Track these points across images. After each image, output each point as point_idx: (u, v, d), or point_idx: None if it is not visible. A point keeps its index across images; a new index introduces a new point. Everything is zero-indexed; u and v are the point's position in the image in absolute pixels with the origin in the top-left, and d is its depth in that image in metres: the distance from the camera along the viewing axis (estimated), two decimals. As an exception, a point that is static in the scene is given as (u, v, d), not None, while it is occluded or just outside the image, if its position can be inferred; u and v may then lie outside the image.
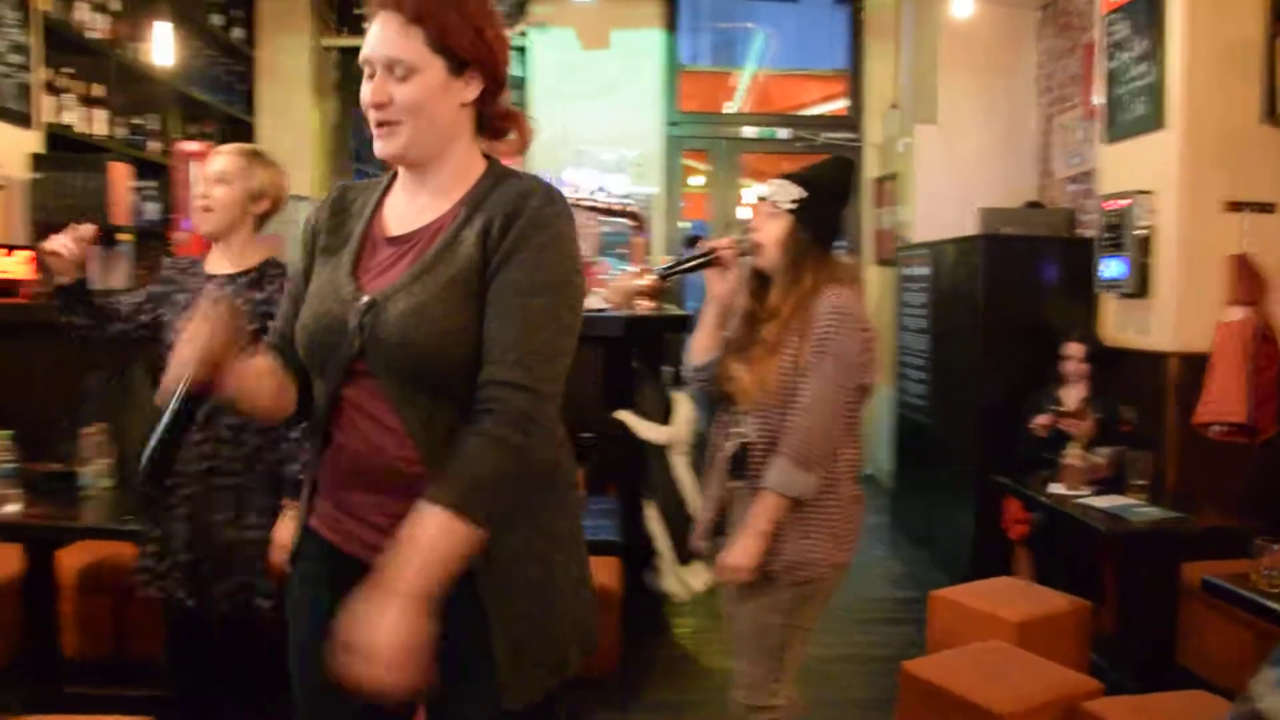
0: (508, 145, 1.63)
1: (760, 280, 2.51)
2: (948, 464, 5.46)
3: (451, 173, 1.55)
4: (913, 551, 5.75)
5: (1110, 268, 4.59)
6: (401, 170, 1.58)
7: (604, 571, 3.62)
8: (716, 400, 2.59)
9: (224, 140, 6.33)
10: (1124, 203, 4.47)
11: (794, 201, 2.43)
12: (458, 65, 1.48)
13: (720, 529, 2.54)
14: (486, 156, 1.60)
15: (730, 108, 9.99)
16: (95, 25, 5.26)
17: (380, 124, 1.48)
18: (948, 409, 5.53)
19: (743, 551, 2.34)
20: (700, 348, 2.57)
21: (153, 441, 1.64)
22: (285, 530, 2.45)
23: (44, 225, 4.38)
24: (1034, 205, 6.17)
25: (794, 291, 2.38)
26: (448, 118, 1.51)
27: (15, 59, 4.44)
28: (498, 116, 1.58)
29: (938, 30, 6.74)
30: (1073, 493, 3.80)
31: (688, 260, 2.56)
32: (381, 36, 1.46)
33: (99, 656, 3.55)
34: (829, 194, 2.49)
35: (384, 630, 1.32)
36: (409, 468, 1.48)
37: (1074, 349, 4.54)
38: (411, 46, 1.44)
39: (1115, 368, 4.56)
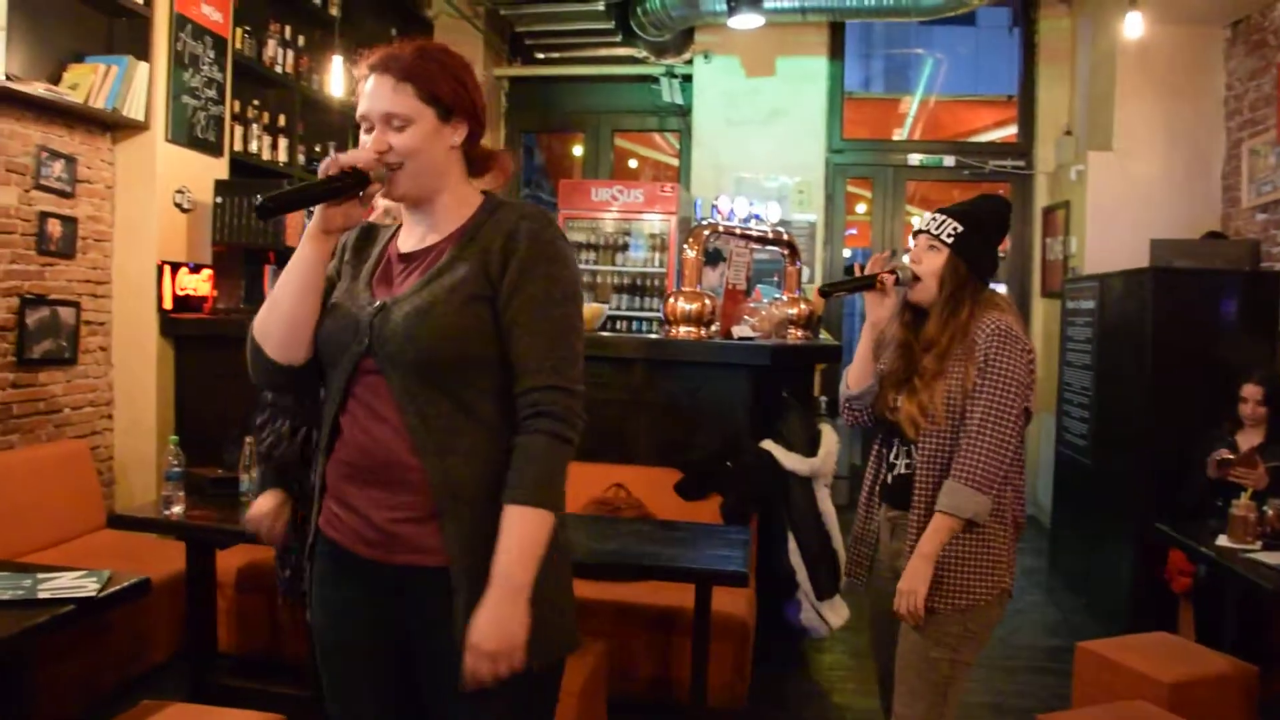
0: (491, 179, 1.84)
1: (914, 312, 2.51)
2: (1108, 507, 5.20)
3: (449, 204, 1.75)
4: (1068, 598, 5.49)
5: (1295, 306, 4.30)
6: (405, 206, 1.78)
7: (735, 602, 3.61)
8: (873, 431, 2.62)
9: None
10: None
11: (953, 235, 2.45)
12: (445, 113, 1.69)
13: (873, 561, 2.58)
14: (483, 191, 1.80)
15: (899, 134, 9.86)
16: (281, 60, 5.62)
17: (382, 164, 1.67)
18: (1110, 450, 5.28)
19: (915, 575, 2.32)
20: (855, 376, 2.58)
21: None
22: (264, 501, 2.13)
23: (224, 246, 4.72)
24: (1215, 236, 5.84)
25: (952, 322, 2.40)
26: (440, 159, 1.71)
27: (210, 94, 4.79)
28: (481, 156, 1.79)
29: (1115, 53, 6.47)
30: (1240, 546, 3.56)
31: (851, 280, 2.55)
32: (377, 94, 1.66)
33: (252, 652, 3.76)
34: (987, 229, 2.50)
35: (512, 628, 1.57)
36: (405, 459, 1.64)
37: (1251, 391, 4.27)
38: (404, 101, 1.65)
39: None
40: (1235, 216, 6.19)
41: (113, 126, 4.45)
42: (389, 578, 1.68)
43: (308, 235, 1.69)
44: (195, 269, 4.66)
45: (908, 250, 2.59)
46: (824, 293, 2.63)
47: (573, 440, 1.66)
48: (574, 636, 1.76)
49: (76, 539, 3.97)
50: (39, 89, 3.91)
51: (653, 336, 4.70)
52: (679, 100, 7.84)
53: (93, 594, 2.31)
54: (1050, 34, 7.48)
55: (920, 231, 2.52)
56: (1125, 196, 6.39)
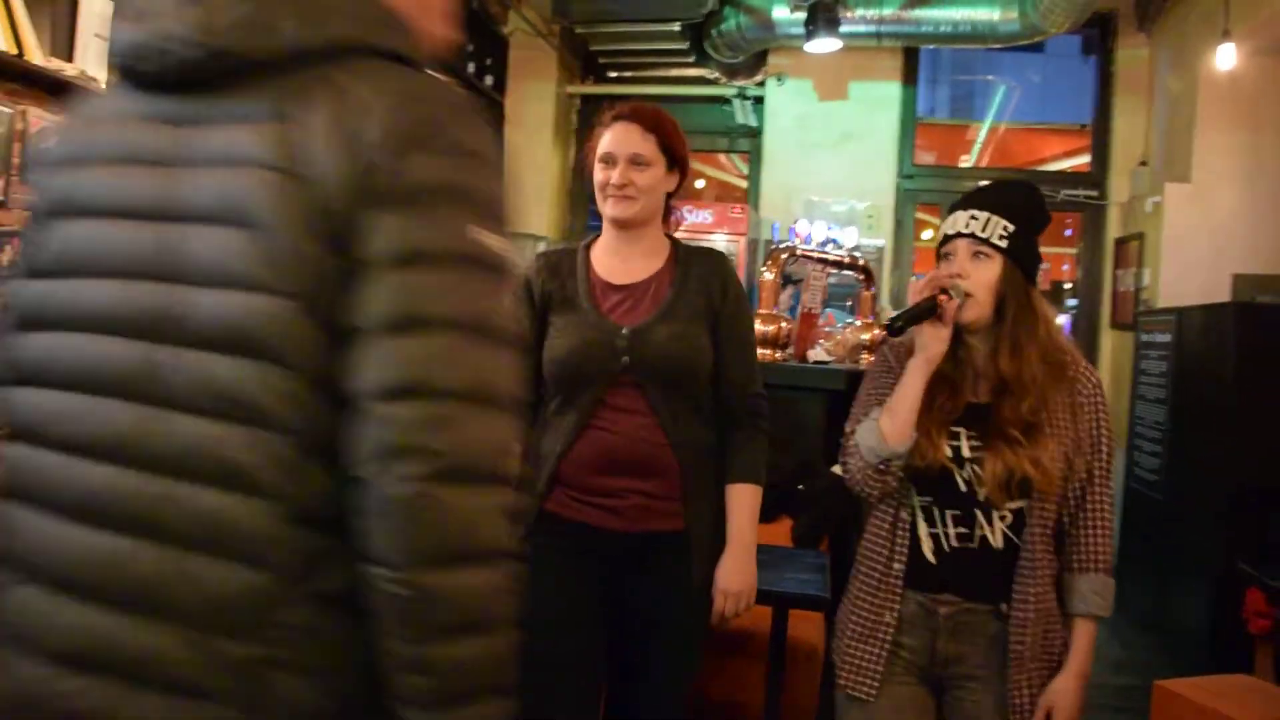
0: (666, 225, 2.29)
1: (953, 336, 2.00)
2: (1183, 546, 5.12)
3: (653, 240, 2.22)
4: (1136, 636, 5.40)
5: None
6: (613, 234, 2.23)
7: (807, 626, 3.60)
8: (907, 497, 2.02)
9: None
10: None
11: (1006, 238, 1.96)
12: (670, 164, 2.19)
13: (887, 669, 2.02)
14: (667, 234, 2.27)
15: (966, 161, 9.79)
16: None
17: (620, 196, 2.15)
18: (1185, 486, 5.19)
19: (1077, 700, 1.94)
20: (902, 430, 1.93)
21: None
22: None
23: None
24: None
25: (1031, 349, 1.93)
26: (659, 200, 2.20)
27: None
28: (669, 209, 2.28)
29: (1197, 84, 6.39)
30: (1328, 590, 3.49)
31: (911, 311, 1.99)
32: (626, 138, 2.15)
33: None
34: (1035, 226, 2.05)
35: (750, 574, 2.23)
36: (659, 451, 2.11)
37: (1337, 432, 4.18)
38: (649, 147, 2.15)
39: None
40: (1317, 252, 6.08)
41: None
42: (632, 545, 2.14)
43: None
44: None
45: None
46: (894, 330, 2.00)
47: (770, 433, 2.28)
48: None
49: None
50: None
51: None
52: (754, 122, 7.86)
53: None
54: (1128, 64, 7.40)
55: (958, 236, 1.99)
56: (1202, 229, 6.29)
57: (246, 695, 0.95)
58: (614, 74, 8.15)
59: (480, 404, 0.97)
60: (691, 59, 7.40)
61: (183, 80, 1.03)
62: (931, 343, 1.96)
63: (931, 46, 7.46)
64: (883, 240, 7.40)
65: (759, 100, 7.81)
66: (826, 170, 7.48)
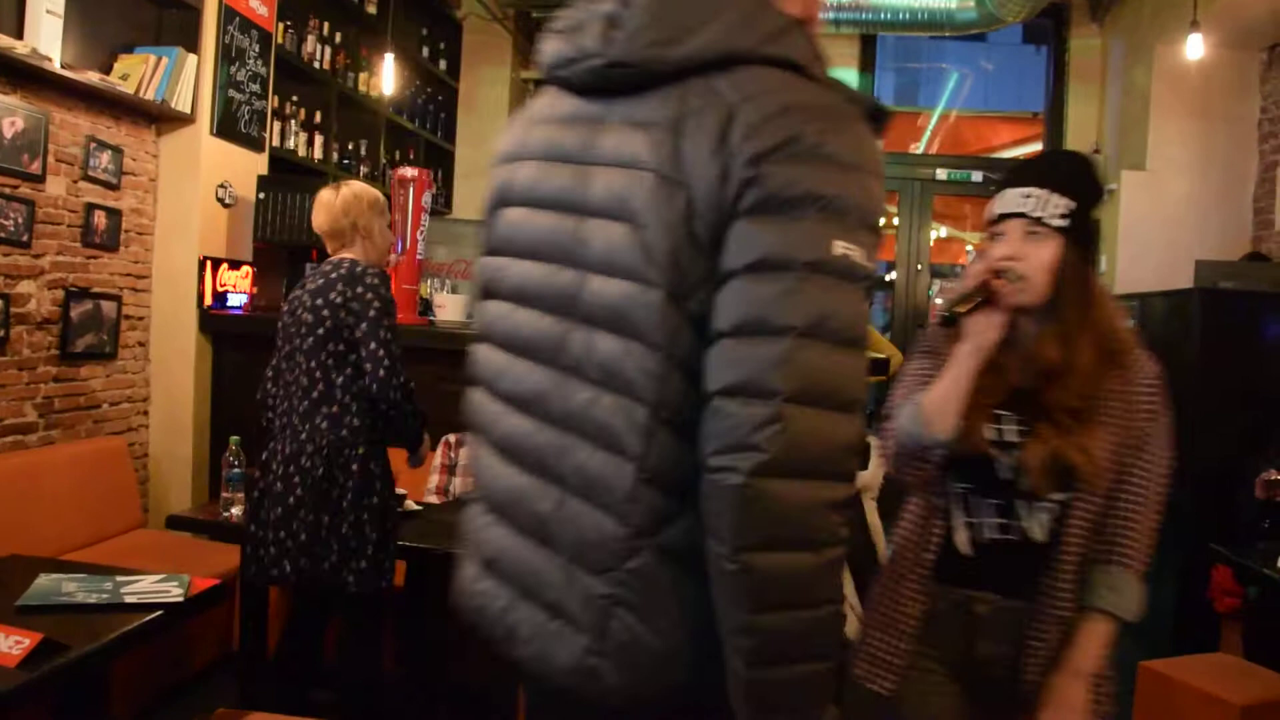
0: None
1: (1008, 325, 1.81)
2: (1149, 528, 5.17)
3: None
4: (1104, 617, 5.45)
5: (1347, 330, 4.28)
6: None
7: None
8: (958, 480, 1.86)
9: (426, 164, 6.59)
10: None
11: (1067, 215, 1.77)
12: None
13: (909, 664, 1.87)
14: None
15: (916, 148, 9.85)
16: (319, 56, 5.56)
17: None
18: (1151, 469, 5.24)
19: (1076, 706, 1.76)
20: (952, 416, 1.77)
21: None
22: None
23: (265, 243, 4.65)
24: (1256, 257, 5.83)
25: (1087, 335, 1.77)
26: None
27: (254, 88, 4.73)
28: None
29: (1150, 74, 6.47)
30: (1302, 570, 3.52)
31: (963, 298, 1.78)
32: None
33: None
34: (1092, 202, 1.86)
35: None
36: None
37: (1301, 414, 4.24)
38: None
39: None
40: (1267, 239, 6.18)
41: (158, 118, 4.38)
42: None
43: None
44: (236, 265, 4.59)
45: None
46: (948, 322, 1.78)
47: None
48: None
49: (114, 538, 3.89)
50: (93, 78, 3.84)
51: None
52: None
53: (179, 599, 2.24)
54: (1081, 53, 7.47)
55: (1011, 215, 1.80)
56: (1158, 216, 6.38)
57: (593, 625, 1.14)
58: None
59: (813, 404, 1.04)
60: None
61: (593, 86, 1.20)
62: (984, 330, 1.77)
63: (889, 34, 7.46)
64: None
65: (715, 87, 7.76)
66: (784, 157, 7.44)
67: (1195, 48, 5.63)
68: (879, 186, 1.11)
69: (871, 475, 4.27)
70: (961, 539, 1.82)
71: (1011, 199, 1.81)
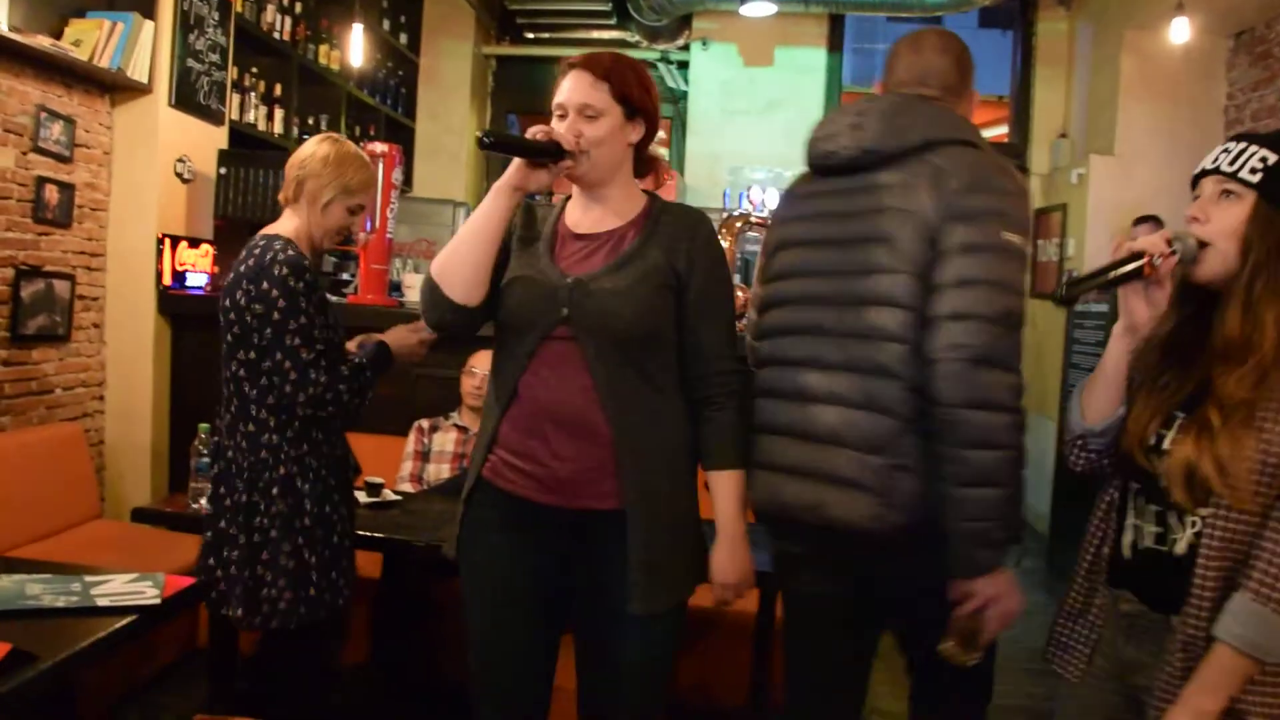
0: (645, 183, 2.09)
1: (1197, 300, 1.63)
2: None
3: (621, 195, 2.01)
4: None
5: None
6: (580, 191, 2.03)
7: (777, 604, 3.48)
8: (1122, 478, 1.71)
9: (387, 138, 6.41)
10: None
11: (1261, 170, 1.54)
12: (630, 112, 1.96)
13: (1092, 655, 1.76)
14: (644, 190, 2.08)
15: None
16: (280, 27, 5.36)
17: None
18: (1123, 454, 5.24)
19: None
20: (1099, 405, 1.70)
21: None
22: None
23: (226, 220, 4.45)
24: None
25: (1273, 311, 1.51)
26: (619, 152, 1.98)
27: (213, 58, 4.53)
28: (648, 159, 2.07)
29: (1118, 60, 6.46)
30: None
31: (1105, 270, 1.64)
32: (576, 88, 1.93)
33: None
34: None
35: (744, 564, 2.02)
36: (593, 416, 1.90)
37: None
38: (599, 96, 1.92)
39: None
40: (1233, 225, 6.20)
41: (112, 88, 4.17)
42: (566, 522, 1.94)
43: (498, 190, 1.91)
44: (195, 244, 4.40)
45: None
46: (1067, 299, 1.69)
47: (746, 412, 2.04)
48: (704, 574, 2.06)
49: (70, 530, 3.71)
50: (43, 44, 3.63)
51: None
52: (682, 86, 7.69)
53: (155, 601, 2.08)
54: (1048, 37, 7.45)
55: (1207, 172, 1.60)
56: (1126, 200, 6.37)
57: (882, 487, 1.83)
58: (531, 35, 7.88)
59: (1003, 325, 1.78)
60: (613, 21, 7.21)
61: (848, 167, 1.96)
62: (1133, 308, 1.63)
63: (858, 14, 7.38)
64: (808, 210, 7.33)
65: (682, 65, 7.64)
66: (753, 138, 7.36)
67: (1180, 31, 5.61)
68: (1026, 203, 1.89)
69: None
70: (1125, 540, 1.67)
71: (1210, 155, 1.61)
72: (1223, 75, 6.41)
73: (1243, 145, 1.57)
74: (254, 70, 5.17)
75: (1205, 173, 1.59)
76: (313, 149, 2.46)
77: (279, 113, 5.38)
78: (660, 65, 7.63)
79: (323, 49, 5.89)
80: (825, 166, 2.01)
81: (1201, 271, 1.57)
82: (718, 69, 7.46)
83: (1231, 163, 1.55)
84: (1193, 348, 1.59)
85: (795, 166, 6.43)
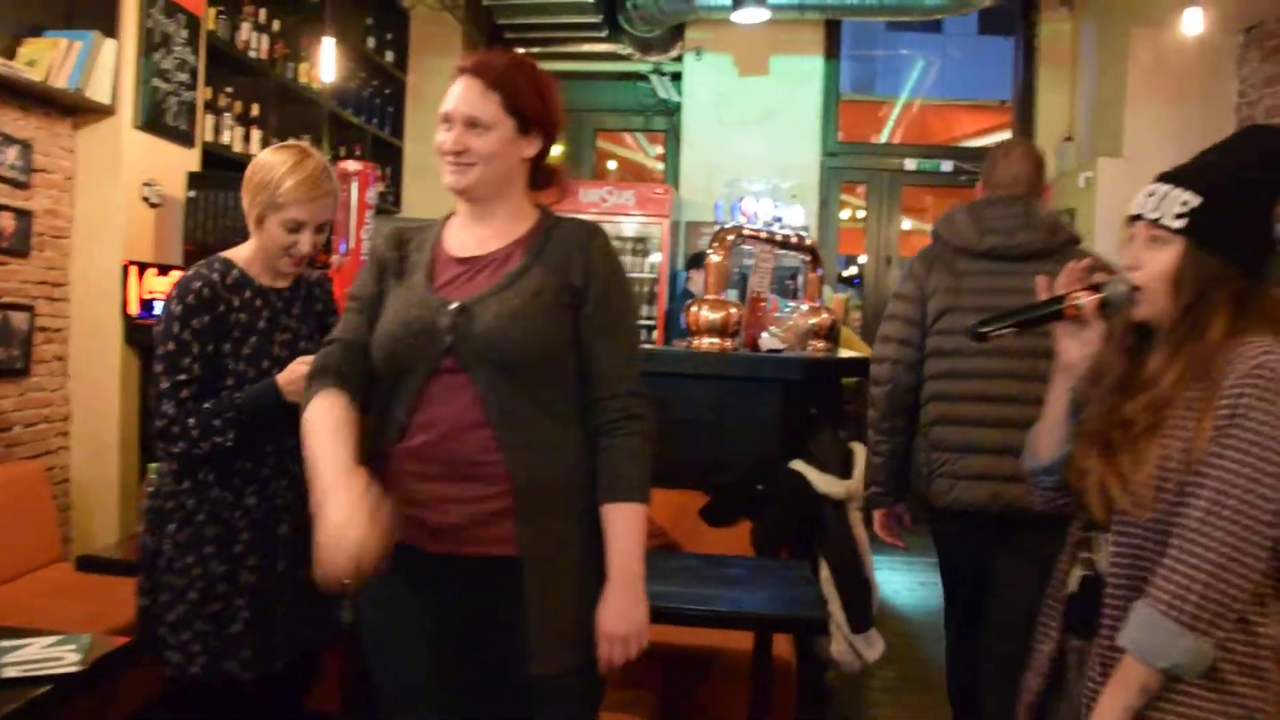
0: (547, 195, 1.92)
1: (1142, 337, 1.63)
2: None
3: (510, 212, 1.83)
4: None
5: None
6: (464, 207, 1.84)
7: (779, 641, 3.27)
8: (1074, 512, 1.73)
9: (373, 159, 6.23)
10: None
11: (1185, 214, 1.54)
12: (524, 125, 1.78)
13: (1051, 697, 1.72)
14: (537, 205, 1.89)
15: (878, 139, 9.63)
16: (256, 45, 5.18)
17: (455, 164, 1.76)
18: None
19: None
20: (1046, 441, 1.72)
21: None
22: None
23: (199, 245, 4.26)
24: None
25: (1190, 348, 1.52)
26: (511, 168, 1.80)
27: (182, 77, 4.35)
28: (546, 171, 1.89)
29: (1125, 58, 6.26)
30: None
31: (1024, 311, 1.69)
32: (464, 97, 1.76)
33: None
34: (1244, 189, 1.56)
35: (639, 614, 1.74)
36: (488, 454, 1.72)
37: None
38: (489, 108, 1.75)
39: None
40: (1249, 226, 6.00)
41: (74, 110, 3.99)
42: (457, 571, 1.75)
43: None
44: (164, 270, 4.21)
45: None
46: (978, 336, 1.70)
47: (652, 437, 1.82)
48: None
49: (30, 574, 3.51)
50: (-7, 64, 3.46)
51: (677, 348, 4.36)
52: (675, 98, 7.51)
53: (74, 669, 1.88)
54: (1051, 39, 7.26)
55: (1135, 218, 1.61)
56: (1137, 203, 6.16)
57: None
58: (522, 49, 7.69)
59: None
60: (604, 33, 7.03)
61: (1018, 256, 2.71)
62: (1065, 348, 1.65)
63: (854, 19, 7.21)
64: (809, 221, 7.11)
65: (676, 76, 7.46)
66: (749, 149, 7.18)
67: (1193, 23, 5.41)
68: None
69: (857, 484, 4.00)
70: (1073, 576, 1.67)
71: (1138, 199, 1.60)
72: (1234, 71, 6.21)
73: (1165, 188, 1.57)
74: (229, 90, 4.99)
75: (1135, 218, 1.61)
76: (250, 165, 2.29)
77: (256, 133, 5.20)
78: (653, 77, 7.44)
79: (303, 67, 5.71)
80: (994, 254, 2.76)
81: (1139, 313, 1.60)
82: (712, 79, 7.28)
83: (1155, 208, 1.56)
84: (1130, 388, 1.61)
85: (793, 176, 6.23)
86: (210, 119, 4.78)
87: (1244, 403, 1.44)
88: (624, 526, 1.74)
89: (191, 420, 2.13)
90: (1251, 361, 1.45)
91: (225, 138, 4.92)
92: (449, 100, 1.77)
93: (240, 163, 4.95)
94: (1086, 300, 1.60)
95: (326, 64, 5.45)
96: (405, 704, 1.83)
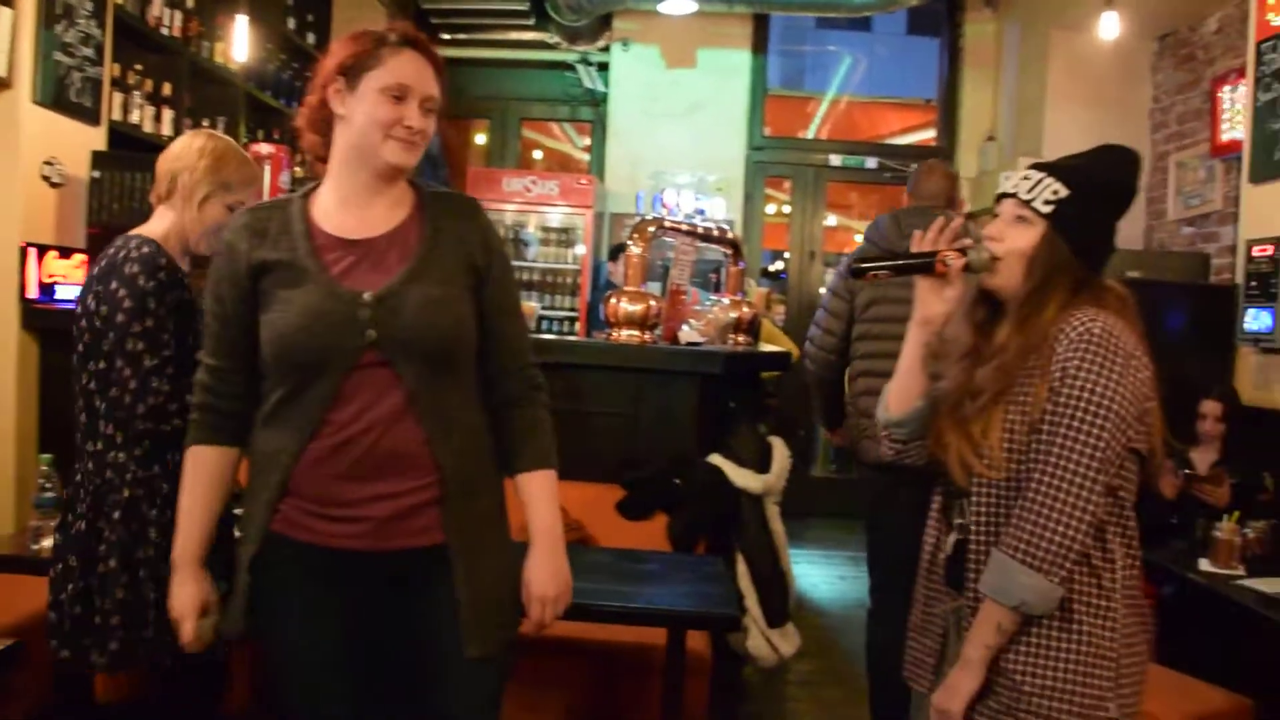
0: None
1: (990, 309, 1.79)
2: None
3: (402, 189, 1.81)
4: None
5: (1256, 319, 4.16)
6: (367, 184, 1.76)
7: (694, 635, 3.25)
8: (928, 474, 1.89)
9: (293, 145, 6.08)
10: (1274, 249, 4.06)
11: (1053, 202, 1.70)
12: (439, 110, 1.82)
13: (941, 663, 1.83)
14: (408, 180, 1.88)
15: (804, 135, 9.69)
16: (168, 22, 5.02)
17: (411, 142, 1.74)
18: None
19: (949, 691, 1.68)
20: (898, 395, 1.85)
21: None
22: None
23: (101, 228, 4.11)
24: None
25: (1031, 324, 1.69)
26: None
27: (86, 52, 4.18)
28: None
29: (1045, 61, 6.37)
30: (1226, 571, 3.38)
31: (898, 258, 1.86)
32: (424, 76, 1.75)
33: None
34: (1105, 195, 1.76)
35: (565, 574, 1.83)
36: (415, 446, 1.70)
37: (1210, 407, 4.11)
38: (439, 91, 1.78)
39: (1254, 430, 4.13)
40: (1159, 228, 6.15)
41: (-34, 84, 3.82)
42: (380, 567, 1.72)
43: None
44: (66, 253, 4.05)
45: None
46: (856, 272, 1.86)
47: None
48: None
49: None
50: (-121, 33, 3.29)
51: (596, 340, 4.33)
52: (602, 88, 7.45)
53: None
54: (975, 39, 7.35)
55: (1006, 195, 1.77)
56: (1055, 204, 6.27)
57: None
58: (447, 35, 7.58)
59: None
60: (531, 21, 6.96)
61: None
62: (925, 303, 1.79)
63: (784, 14, 7.23)
64: (734, 214, 7.12)
65: (603, 67, 7.42)
66: (675, 141, 7.17)
67: (1109, 27, 5.51)
68: None
69: (776, 479, 4.00)
70: (949, 540, 1.81)
71: (1011, 178, 1.78)
72: (1148, 77, 6.36)
73: (1040, 175, 1.73)
74: (138, 67, 4.82)
75: (1006, 195, 1.76)
76: (187, 143, 2.31)
77: (168, 114, 5.03)
78: (580, 67, 7.38)
79: (218, 46, 5.54)
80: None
81: (992, 281, 1.75)
82: (639, 70, 7.25)
83: (1029, 190, 1.72)
84: (979, 358, 1.77)
85: (719, 170, 6.29)
86: (119, 97, 4.61)
87: (1072, 366, 1.62)
88: (544, 492, 1.84)
89: (190, 398, 2.04)
90: (1079, 329, 1.63)
91: (134, 117, 4.75)
92: (407, 74, 1.72)
93: (151, 143, 4.82)
94: (954, 260, 1.73)
95: (241, 43, 5.30)
96: (316, 709, 1.76)
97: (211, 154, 2.27)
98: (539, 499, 1.83)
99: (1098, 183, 1.74)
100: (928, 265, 1.75)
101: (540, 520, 1.83)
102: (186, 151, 2.27)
